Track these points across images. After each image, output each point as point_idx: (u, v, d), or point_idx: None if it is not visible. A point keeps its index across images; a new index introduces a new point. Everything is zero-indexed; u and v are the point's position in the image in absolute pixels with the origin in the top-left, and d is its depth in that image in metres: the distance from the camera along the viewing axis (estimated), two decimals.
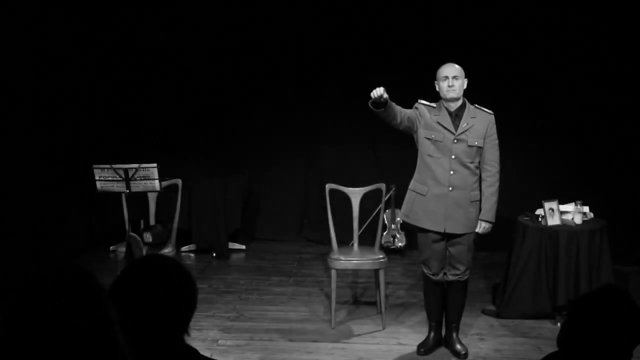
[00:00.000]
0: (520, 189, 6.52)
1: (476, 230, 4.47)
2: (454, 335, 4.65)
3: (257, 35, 7.11)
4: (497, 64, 6.78)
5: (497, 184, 4.45)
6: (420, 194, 4.46)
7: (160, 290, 1.83)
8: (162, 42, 7.08)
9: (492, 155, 4.43)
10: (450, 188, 4.37)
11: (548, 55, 6.80)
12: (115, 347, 1.45)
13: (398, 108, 4.38)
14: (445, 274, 4.56)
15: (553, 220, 5.17)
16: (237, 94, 7.26)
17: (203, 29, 7.09)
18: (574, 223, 5.18)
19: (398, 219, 6.82)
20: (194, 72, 7.20)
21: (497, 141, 4.45)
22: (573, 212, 5.22)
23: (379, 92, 4.19)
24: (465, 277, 4.55)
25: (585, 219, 5.27)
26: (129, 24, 6.99)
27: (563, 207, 5.26)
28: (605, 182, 6.71)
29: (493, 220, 4.47)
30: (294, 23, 7.06)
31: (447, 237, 4.47)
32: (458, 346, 4.61)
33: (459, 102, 4.42)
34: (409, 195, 4.55)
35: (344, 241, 5.90)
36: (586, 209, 5.33)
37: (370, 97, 4.26)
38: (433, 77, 4.44)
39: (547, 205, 5.18)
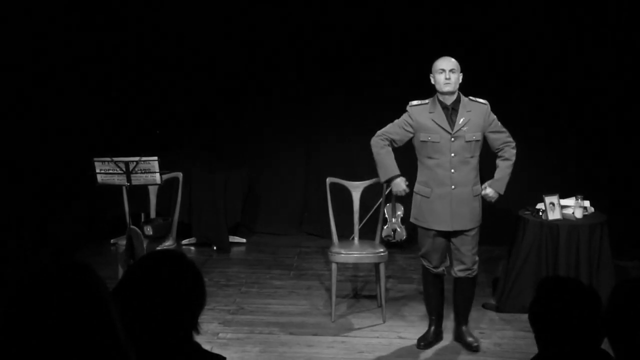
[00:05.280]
0: (521, 182, 6.46)
1: (481, 192, 4.44)
2: (464, 327, 4.64)
3: (257, 30, 7.08)
4: (497, 58, 6.75)
5: (513, 159, 4.45)
6: (424, 196, 4.45)
7: (169, 286, 1.83)
8: (163, 37, 7.06)
9: (502, 137, 4.44)
10: (453, 186, 4.36)
11: (548, 50, 6.76)
12: (117, 342, 1.45)
13: (390, 150, 4.55)
14: (445, 269, 4.55)
15: (554, 215, 5.16)
16: (238, 88, 7.23)
17: (204, 25, 7.06)
18: (575, 217, 5.17)
19: (399, 212, 6.82)
20: (195, 67, 7.17)
21: (499, 123, 4.44)
22: (574, 207, 5.21)
23: (401, 192, 4.56)
24: (475, 274, 4.54)
25: (586, 213, 5.26)
26: (130, 19, 6.96)
27: (564, 202, 5.25)
28: (606, 177, 6.69)
29: (501, 192, 4.46)
30: (294, 18, 7.03)
31: (451, 232, 4.46)
32: (469, 338, 4.60)
33: (454, 96, 4.38)
34: (414, 199, 4.55)
35: (345, 235, 5.87)
36: (587, 203, 5.32)
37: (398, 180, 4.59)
38: (431, 71, 4.42)
39: (547, 199, 5.17)
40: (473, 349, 4.55)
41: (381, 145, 4.53)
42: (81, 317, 1.39)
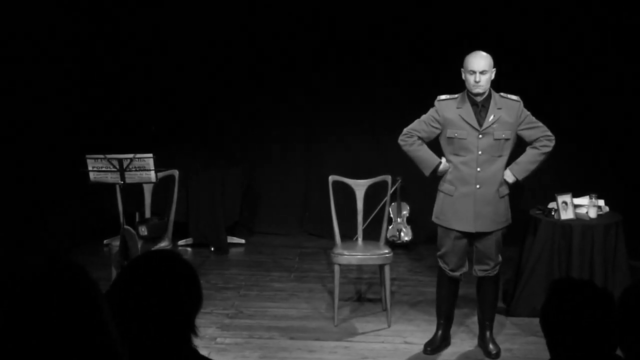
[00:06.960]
0: (533, 181, 6.38)
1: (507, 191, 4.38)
2: (488, 334, 4.56)
3: (257, 26, 7.03)
4: (510, 55, 6.62)
5: (544, 150, 4.32)
6: (448, 194, 4.37)
7: (164, 287, 1.81)
8: (159, 32, 7.01)
9: (536, 132, 4.32)
10: (478, 186, 4.28)
11: (563, 47, 6.68)
12: (110, 345, 1.38)
13: (420, 142, 4.41)
14: (462, 274, 4.48)
15: (566, 214, 5.07)
16: (237, 84, 7.18)
17: (202, 20, 7.00)
18: (589, 217, 5.09)
19: (404, 212, 6.76)
20: (192, 62, 7.11)
21: (533, 118, 4.34)
22: (587, 206, 5.13)
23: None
24: (495, 272, 4.48)
25: (600, 213, 5.18)
26: (124, 13, 6.92)
27: (577, 201, 5.18)
28: (622, 175, 6.60)
29: (519, 176, 4.35)
30: (294, 13, 6.97)
31: (474, 234, 4.38)
32: (491, 346, 4.52)
33: (485, 94, 4.27)
34: (437, 196, 4.47)
35: (348, 235, 5.77)
36: (601, 202, 5.24)
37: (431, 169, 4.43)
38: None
39: (560, 198, 5.09)
40: (492, 356, 4.49)
41: (410, 142, 4.42)
42: (73, 319, 1.33)
